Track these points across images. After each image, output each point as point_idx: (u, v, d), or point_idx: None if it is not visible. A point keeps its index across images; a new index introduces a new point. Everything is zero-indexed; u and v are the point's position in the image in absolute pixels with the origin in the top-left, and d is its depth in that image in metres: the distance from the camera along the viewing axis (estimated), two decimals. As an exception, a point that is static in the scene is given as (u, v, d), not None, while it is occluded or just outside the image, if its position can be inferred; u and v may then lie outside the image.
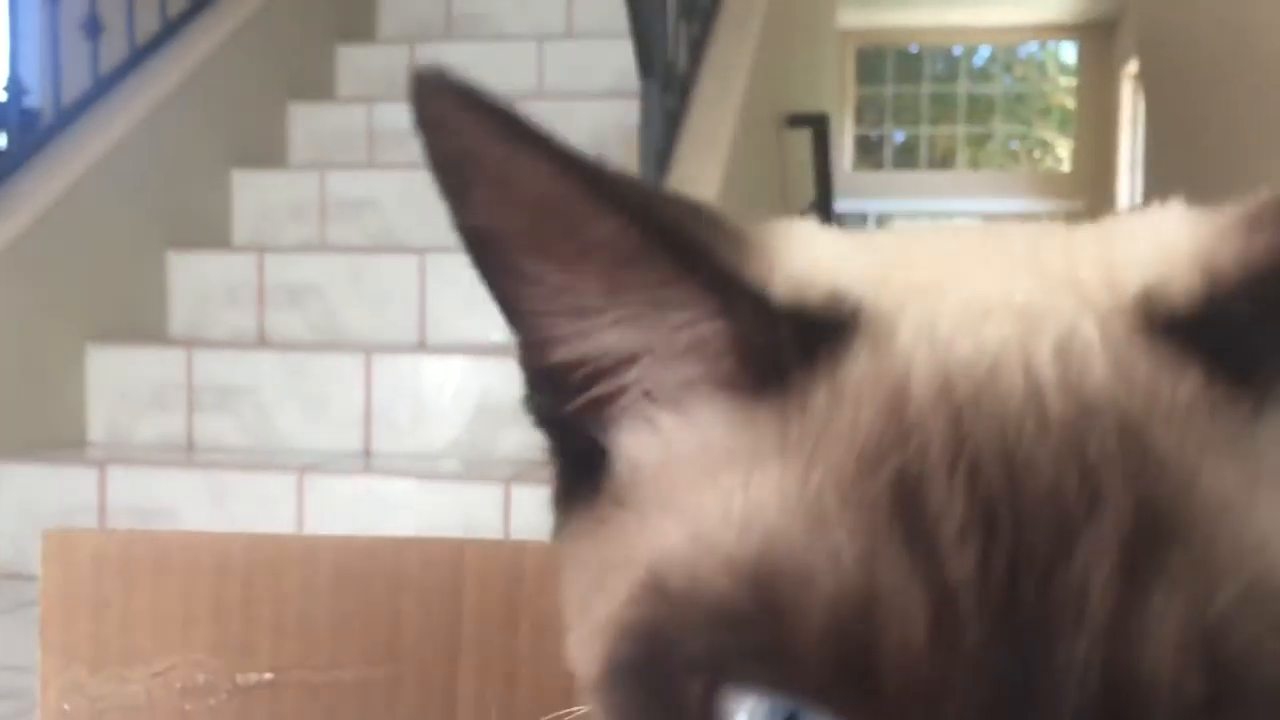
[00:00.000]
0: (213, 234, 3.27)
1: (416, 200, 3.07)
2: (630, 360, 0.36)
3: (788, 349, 0.34)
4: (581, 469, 0.39)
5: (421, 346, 2.95)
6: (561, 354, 0.37)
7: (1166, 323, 0.33)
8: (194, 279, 3.11)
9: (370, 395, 2.79)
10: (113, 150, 2.97)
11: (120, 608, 0.56)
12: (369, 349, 2.80)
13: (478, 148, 0.34)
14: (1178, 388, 0.33)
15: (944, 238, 0.43)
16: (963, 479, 0.31)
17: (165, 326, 3.12)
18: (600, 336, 0.36)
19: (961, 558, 0.30)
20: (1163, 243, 0.36)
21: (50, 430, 2.78)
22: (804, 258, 0.37)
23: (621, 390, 0.37)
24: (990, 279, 0.37)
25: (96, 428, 2.88)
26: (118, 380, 2.89)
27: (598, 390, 0.37)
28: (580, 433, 0.38)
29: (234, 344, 2.99)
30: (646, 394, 0.37)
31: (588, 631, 0.38)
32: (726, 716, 0.32)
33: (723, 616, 0.32)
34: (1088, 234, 0.40)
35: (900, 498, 0.32)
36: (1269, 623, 0.30)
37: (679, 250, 0.34)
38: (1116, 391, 0.32)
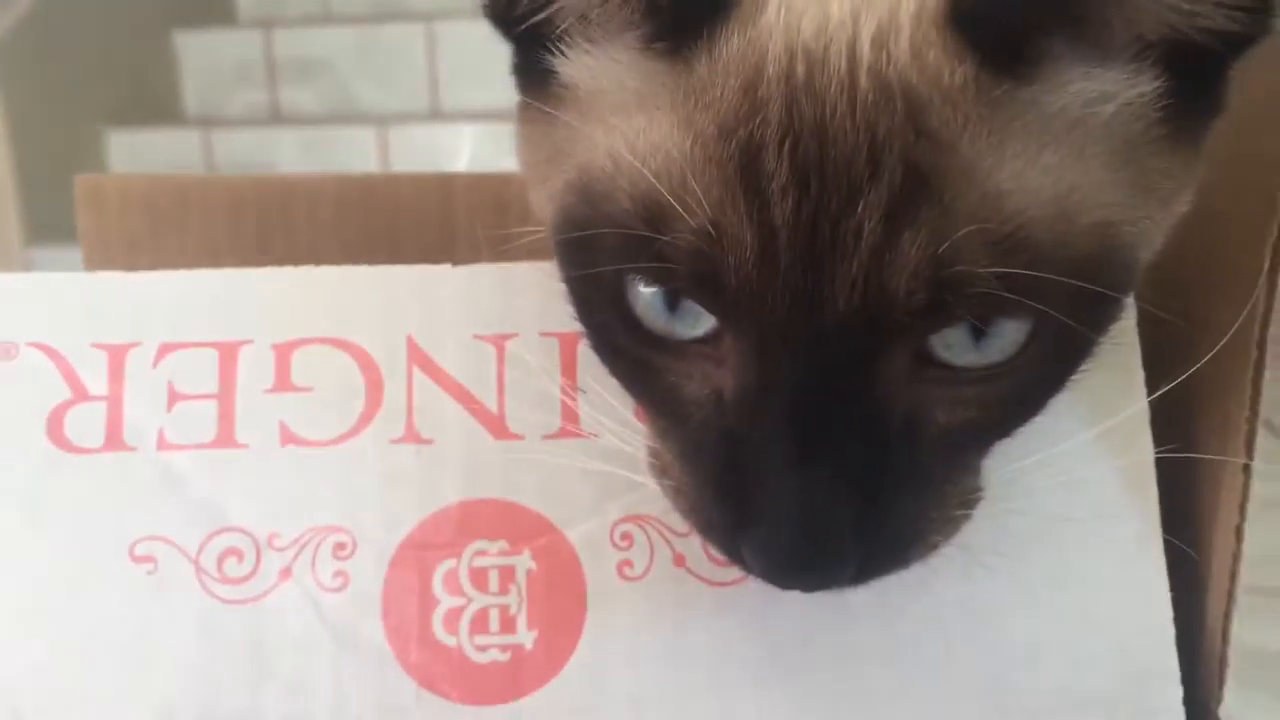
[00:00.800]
0: (217, 11, 3.24)
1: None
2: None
3: (681, 18, 0.43)
4: (539, 67, 0.47)
5: (434, 116, 2.96)
6: None
7: (960, 12, 0.41)
8: (203, 58, 3.10)
9: (387, 166, 2.82)
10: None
11: (150, 245, 0.62)
12: (382, 120, 2.82)
13: None
14: (956, 71, 0.41)
15: None
16: (788, 150, 0.41)
17: (180, 108, 3.13)
18: None
19: (782, 209, 0.41)
20: None
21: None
22: None
23: (558, 17, 0.45)
24: None
25: (123, 209, 2.94)
26: (136, 163, 2.93)
27: (538, 16, 0.45)
28: (537, 41, 0.46)
29: (249, 121, 3.01)
30: (580, 22, 0.45)
31: (544, 196, 0.47)
32: (631, 293, 0.43)
33: (623, 227, 0.42)
34: None
35: (745, 162, 0.41)
36: (985, 255, 0.41)
37: None
38: (911, 75, 0.41)
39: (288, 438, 0.37)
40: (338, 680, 0.38)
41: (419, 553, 0.38)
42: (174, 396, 0.37)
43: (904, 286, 0.41)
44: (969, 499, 0.47)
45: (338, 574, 0.37)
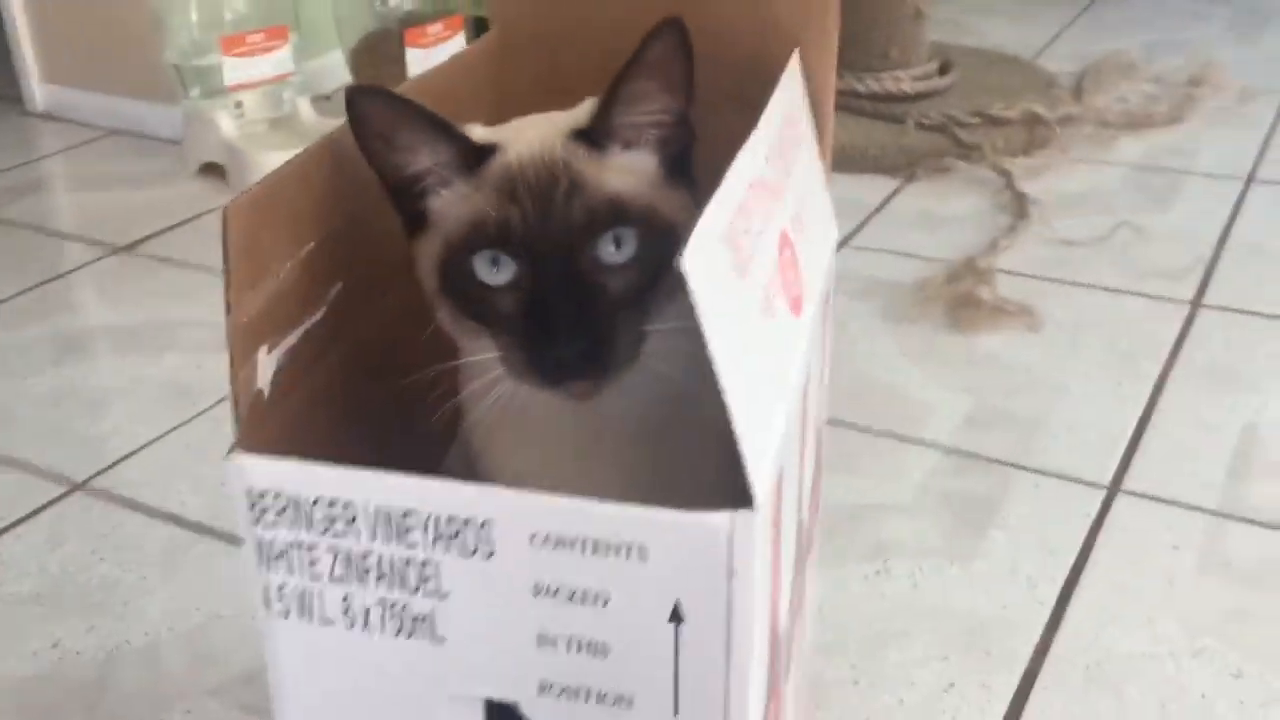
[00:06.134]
0: None
1: None
2: (427, 173, 0.77)
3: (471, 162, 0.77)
4: (420, 218, 0.79)
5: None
6: (398, 176, 0.77)
7: (579, 133, 0.77)
8: None
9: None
10: None
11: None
12: None
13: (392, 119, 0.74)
14: (579, 150, 0.76)
15: None
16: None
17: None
18: (413, 166, 0.76)
19: (523, 208, 0.75)
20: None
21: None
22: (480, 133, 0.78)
23: (426, 185, 0.78)
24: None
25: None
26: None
27: (417, 187, 0.78)
28: (417, 205, 0.79)
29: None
30: (437, 184, 0.78)
31: (431, 286, 0.78)
32: (475, 266, 0.74)
33: (465, 244, 0.75)
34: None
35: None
36: (603, 209, 0.74)
37: (453, 139, 0.76)
38: (566, 155, 0.76)
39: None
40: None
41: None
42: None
43: (581, 231, 0.74)
44: (644, 330, 0.75)
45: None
